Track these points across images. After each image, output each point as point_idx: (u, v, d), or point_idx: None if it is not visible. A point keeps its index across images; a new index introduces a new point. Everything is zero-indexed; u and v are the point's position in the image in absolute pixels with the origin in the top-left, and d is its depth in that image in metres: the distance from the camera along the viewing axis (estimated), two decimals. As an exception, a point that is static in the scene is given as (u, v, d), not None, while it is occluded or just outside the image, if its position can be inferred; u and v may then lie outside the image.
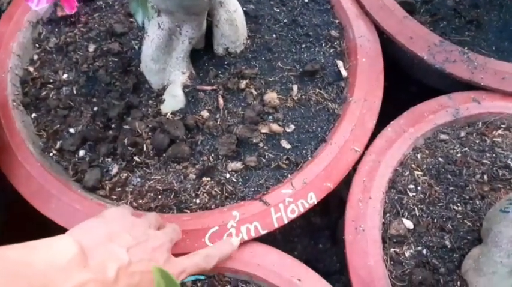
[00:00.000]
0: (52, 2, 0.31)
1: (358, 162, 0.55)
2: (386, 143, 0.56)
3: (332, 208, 0.70)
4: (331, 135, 0.56)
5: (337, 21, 0.66)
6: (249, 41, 0.62)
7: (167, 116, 0.56)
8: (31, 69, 0.61)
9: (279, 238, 0.67)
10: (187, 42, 0.55)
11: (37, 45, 0.63)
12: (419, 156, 0.56)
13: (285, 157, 0.55)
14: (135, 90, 0.58)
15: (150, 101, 0.57)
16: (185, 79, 0.58)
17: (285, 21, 0.65)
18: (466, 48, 0.62)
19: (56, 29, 0.64)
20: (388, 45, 0.64)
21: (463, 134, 0.58)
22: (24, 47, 0.62)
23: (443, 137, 0.58)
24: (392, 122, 0.58)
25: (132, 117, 0.56)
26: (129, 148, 0.54)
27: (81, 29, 0.64)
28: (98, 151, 0.55)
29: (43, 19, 0.64)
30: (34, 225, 0.52)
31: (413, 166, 0.56)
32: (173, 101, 0.57)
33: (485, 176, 0.54)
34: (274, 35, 0.63)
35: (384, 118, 0.59)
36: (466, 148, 0.57)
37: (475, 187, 0.54)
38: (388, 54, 0.63)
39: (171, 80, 0.57)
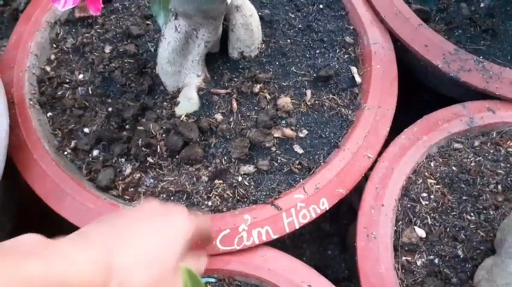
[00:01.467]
0: (77, 4, 0.32)
1: (371, 169, 0.55)
2: (399, 151, 0.56)
3: (342, 214, 0.69)
4: (345, 141, 0.56)
5: (351, 27, 0.66)
6: (263, 45, 0.62)
7: (181, 118, 0.56)
8: (48, 68, 0.62)
9: (288, 243, 0.67)
10: (203, 45, 0.56)
11: (54, 45, 0.64)
12: (432, 164, 0.56)
13: (297, 162, 0.55)
14: (150, 92, 0.58)
15: (165, 103, 0.58)
16: (200, 82, 0.58)
17: (299, 26, 0.65)
18: (481, 57, 0.61)
19: (73, 30, 0.65)
20: (403, 52, 0.64)
21: (477, 143, 0.58)
22: (42, 47, 0.63)
23: (457, 145, 0.58)
24: (406, 130, 0.58)
25: (147, 118, 0.56)
26: (143, 148, 0.54)
27: (98, 30, 0.65)
28: (112, 151, 0.55)
29: (61, 20, 0.65)
30: (45, 223, 0.52)
31: (426, 174, 0.55)
32: (188, 103, 0.57)
33: (499, 186, 0.54)
34: (288, 40, 0.64)
35: (397, 125, 0.59)
36: (480, 157, 0.56)
37: (488, 196, 0.53)
38: (402, 62, 0.63)
39: (186, 83, 0.58)
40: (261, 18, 0.62)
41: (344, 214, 0.69)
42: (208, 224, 0.43)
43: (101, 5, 0.31)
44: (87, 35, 0.64)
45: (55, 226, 0.47)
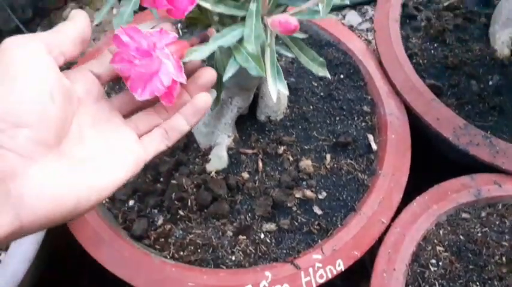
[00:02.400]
0: (153, 96, 0.35)
1: (384, 233, 0.59)
2: (411, 218, 0.60)
3: (353, 271, 0.72)
4: (360, 206, 0.60)
5: (369, 97, 0.72)
6: (288, 110, 0.68)
7: (211, 175, 0.61)
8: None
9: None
10: (235, 110, 0.62)
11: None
12: (441, 232, 0.60)
13: (316, 223, 0.59)
14: (184, 148, 0.64)
15: (197, 159, 0.63)
16: (230, 142, 0.64)
17: (321, 94, 0.71)
18: (488, 132, 0.66)
19: (118, 86, 0.72)
20: (416, 123, 0.69)
21: (483, 214, 0.62)
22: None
23: (465, 215, 0.62)
24: (417, 198, 0.62)
25: (180, 173, 0.62)
26: (176, 202, 0.59)
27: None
28: (147, 202, 0.60)
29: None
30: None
31: (435, 241, 0.59)
32: (218, 161, 0.62)
33: (503, 258, 0.58)
34: (311, 107, 0.70)
35: (409, 188, 0.63)
36: (486, 228, 0.60)
37: (493, 267, 0.57)
38: (415, 130, 0.69)
39: (218, 142, 0.63)
40: (287, 85, 0.68)
41: (355, 271, 0.72)
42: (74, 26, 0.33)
43: (174, 98, 0.36)
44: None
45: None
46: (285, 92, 0.39)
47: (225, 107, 0.61)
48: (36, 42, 0.29)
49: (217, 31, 0.39)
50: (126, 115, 0.36)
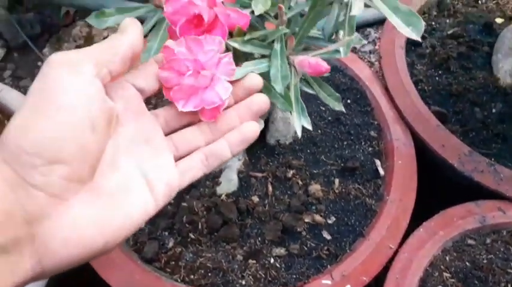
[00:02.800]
0: (198, 108, 0.32)
1: (391, 258, 0.60)
2: (418, 243, 0.61)
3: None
4: (369, 231, 0.61)
5: (376, 122, 0.73)
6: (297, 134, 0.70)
7: (221, 198, 0.62)
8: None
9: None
10: (246, 135, 0.63)
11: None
12: (448, 258, 0.61)
13: (325, 248, 0.60)
14: (195, 171, 0.65)
15: (207, 182, 0.64)
16: (240, 165, 0.65)
17: (329, 118, 0.73)
18: (493, 159, 0.68)
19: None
20: (422, 148, 0.70)
21: (488, 240, 0.63)
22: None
23: (470, 241, 0.63)
24: (424, 223, 0.63)
25: (191, 195, 0.62)
26: (186, 225, 0.60)
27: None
28: (158, 224, 0.61)
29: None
30: None
31: (442, 267, 0.60)
32: (228, 184, 0.63)
33: (509, 285, 0.58)
34: (319, 131, 0.71)
35: (416, 213, 0.64)
36: (492, 255, 0.61)
37: (500, 295, 0.58)
38: (421, 156, 0.70)
39: (228, 165, 0.64)
40: (296, 109, 0.70)
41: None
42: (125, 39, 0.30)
43: (218, 113, 0.33)
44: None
45: None
46: (309, 127, 0.40)
47: (237, 132, 0.62)
48: (86, 64, 0.27)
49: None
50: (169, 132, 0.32)
